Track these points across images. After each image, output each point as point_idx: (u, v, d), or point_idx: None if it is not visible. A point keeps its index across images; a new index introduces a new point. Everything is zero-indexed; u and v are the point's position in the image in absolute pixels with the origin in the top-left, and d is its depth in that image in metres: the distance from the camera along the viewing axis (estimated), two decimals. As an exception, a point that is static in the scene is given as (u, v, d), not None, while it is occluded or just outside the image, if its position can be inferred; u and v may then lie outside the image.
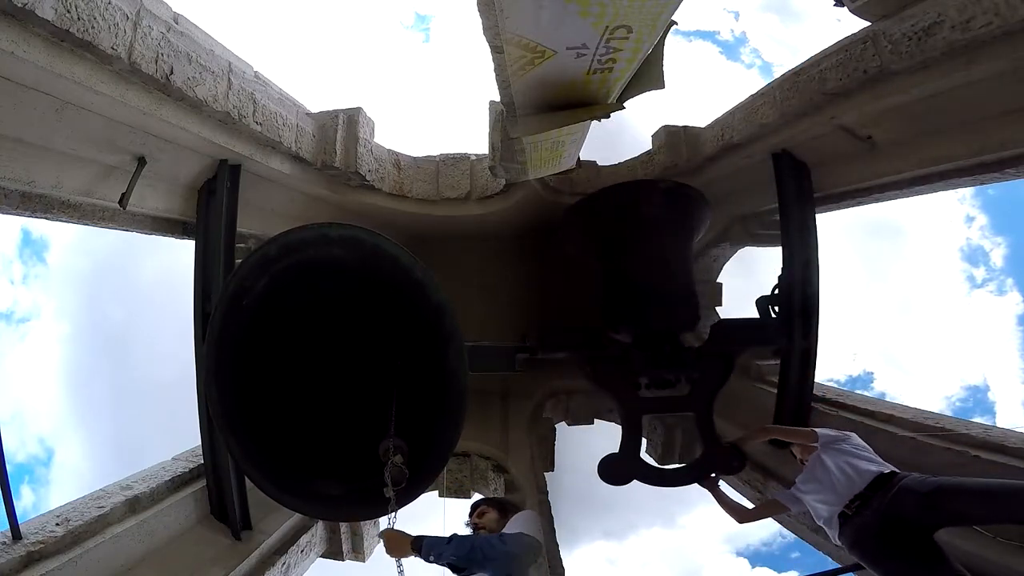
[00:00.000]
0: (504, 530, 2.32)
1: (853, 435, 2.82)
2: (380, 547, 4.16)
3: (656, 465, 3.78)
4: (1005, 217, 32.88)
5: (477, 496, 4.72)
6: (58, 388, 31.41)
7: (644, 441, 5.33)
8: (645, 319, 3.66)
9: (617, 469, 3.37)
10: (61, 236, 32.69)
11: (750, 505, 3.53)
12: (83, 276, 32.52)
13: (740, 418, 4.38)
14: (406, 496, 2.43)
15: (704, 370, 3.55)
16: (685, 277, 3.85)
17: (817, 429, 2.92)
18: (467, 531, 2.54)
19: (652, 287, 3.68)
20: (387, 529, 2.15)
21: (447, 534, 2.18)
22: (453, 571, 2.14)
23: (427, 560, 2.08)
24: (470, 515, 2.62)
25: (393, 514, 2.14)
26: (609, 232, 3.90)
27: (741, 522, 3.17)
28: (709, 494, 3.24)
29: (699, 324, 4.04)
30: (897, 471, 2.51)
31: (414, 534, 2.16)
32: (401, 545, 2.11)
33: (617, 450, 3.43)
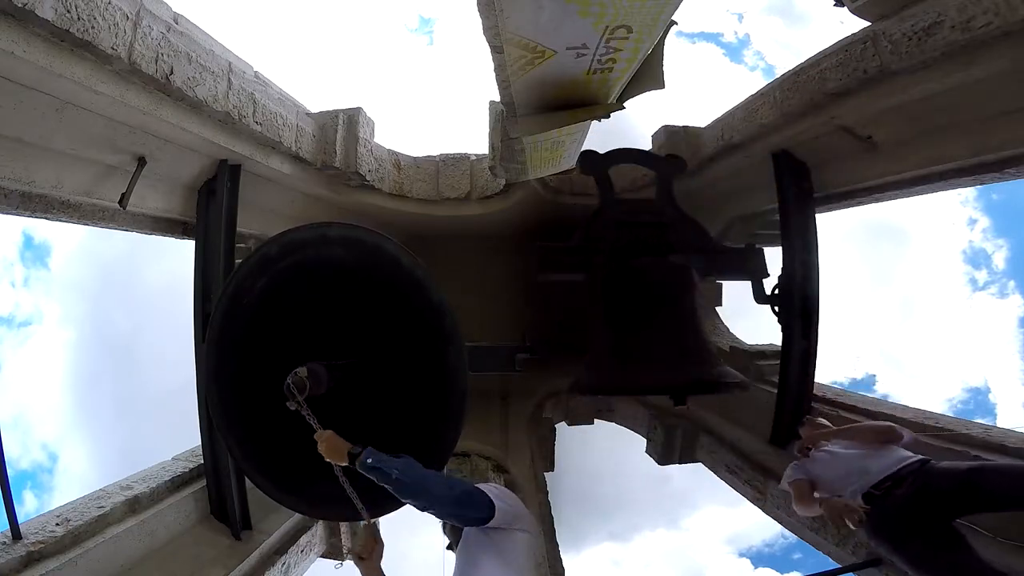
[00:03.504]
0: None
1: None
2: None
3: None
4: (1007, 220, 32.95)
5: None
6: (63, 395, 31.39)
7: (645, 441, 5.35)
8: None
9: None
10: (64, 242, 32.63)
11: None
12: (87, 282, 32.53)
13: (740, 418, 4.38)
14: (398, 502, 2.41)
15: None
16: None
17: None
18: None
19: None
20: (324, 430, 1.95)
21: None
22: (389, 486, 1.82)
23: (364, 468, 1.81)
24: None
25: (312, 419, 1.97)
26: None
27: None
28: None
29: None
30: (931, 459, 2.43)
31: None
32: (338, 448, 1.88)
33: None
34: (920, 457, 2.43)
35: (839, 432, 2.89)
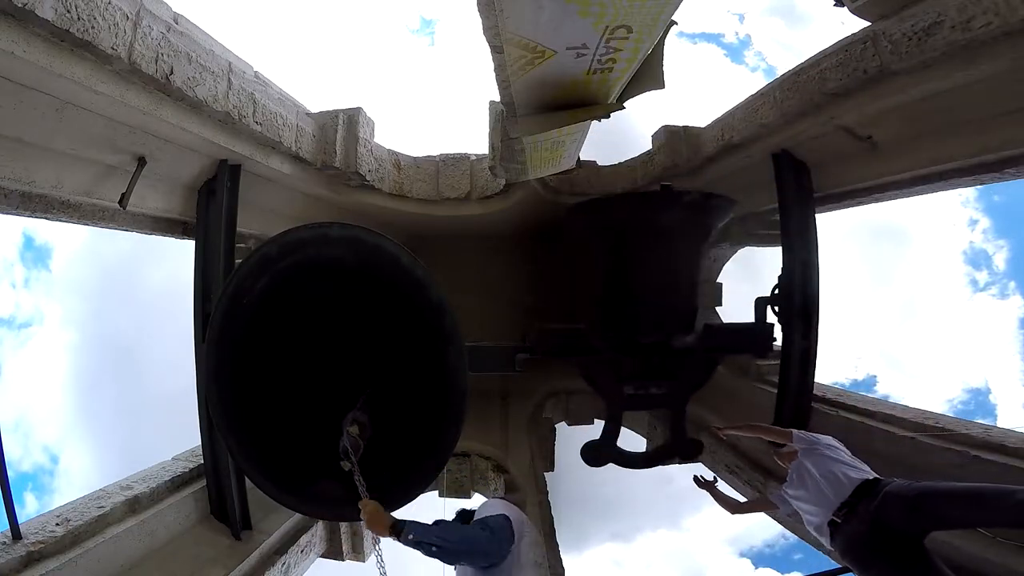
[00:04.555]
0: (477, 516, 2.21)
1: (829, 437, 2.85)
2: (379, 545, 4.14)
3: (627, 451, 4.15)
4: (1008, 221, 32.84)
5: (478, 496, 4.72)
6: (64, 397, 31.32)
7: (645, 441, 5.36)
8: (640, 330, 3.86)
9: (597, 453, 4.01)
10: (65, 244, 32.57)
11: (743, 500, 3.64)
12: (89, 285, 32.48)
13: (740, 418, 4.37)
14: (406, 495, 2.42)
15: (687, 372, 3.94)
16: (688, 291, 3.96)
17: (793, 431, 2.97)
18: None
19: (653, 298, 3.84)
20: (370, 500, 2.02)
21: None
22: (434, 556, 1.95)
23: (406, 541, 1.90)
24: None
25: (361, 487, 2.06)
26: (620, 234, 3.98)
27: (733, 514, 3.37)
28: (708, 494, 3.37)
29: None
30: (880, 477, 2.51)
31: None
32: (381, 520, 1.96)
33: (599, 438, 4.04)
34: (866, 478, 2.48)
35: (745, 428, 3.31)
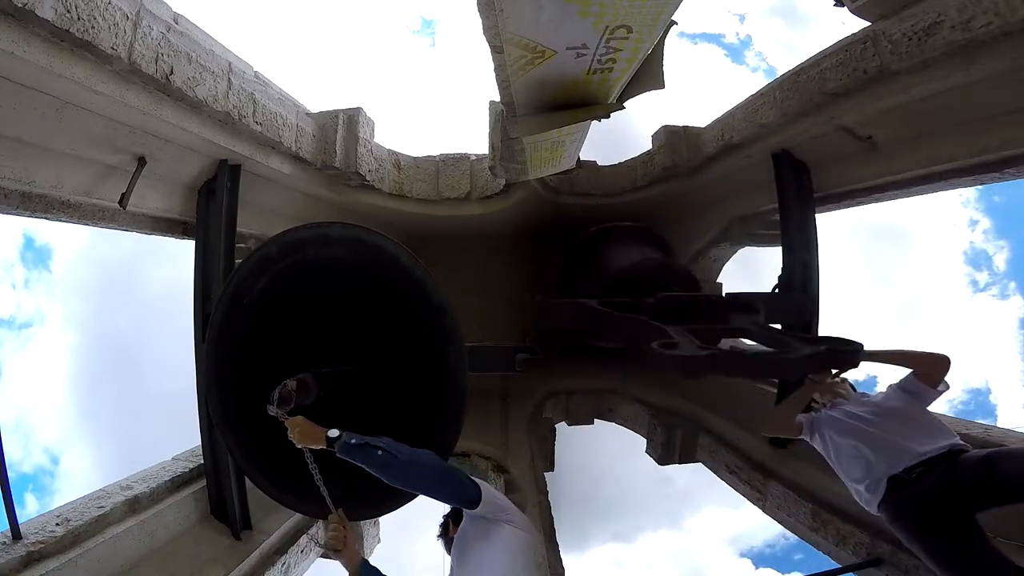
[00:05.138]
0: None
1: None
2: (379, 546, 4.11)
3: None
4: (1008, 221, 32.87)
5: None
6: (65, 398, 31.27)
7: (645, 441, 5.35)
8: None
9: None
10: (66, 246, 32.56)
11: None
12: (90, 286, 32.44)
13: (740, 418, 4.38)
14: (403, 498, 2.41)
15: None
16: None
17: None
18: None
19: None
20: (297, 417, 1.91)
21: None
22: (379, 467, 1.77)
23: (346, 450, 1.76)
24: (443, 526, 2.22)
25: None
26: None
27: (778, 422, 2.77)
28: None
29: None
30: (966, 447, 2.24)
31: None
32: (312, 432, 1.84)
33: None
34: (951, 443, 2.23)
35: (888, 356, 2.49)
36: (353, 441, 1.76)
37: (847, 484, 2.40)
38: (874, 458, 2.26)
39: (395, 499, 2.36)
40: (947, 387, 2.39)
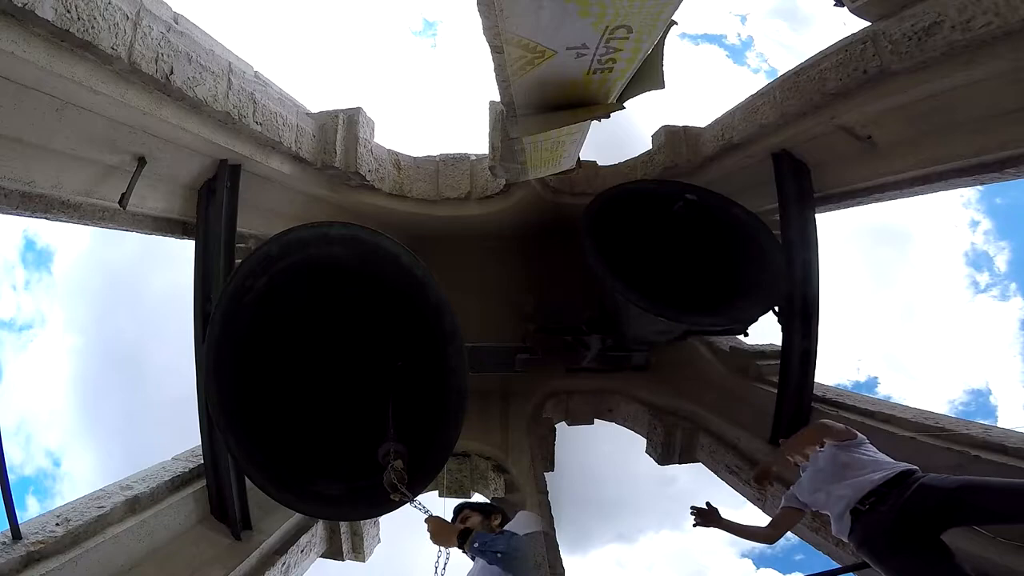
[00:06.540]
0: (510, 528, 2.24)
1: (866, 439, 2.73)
2: (379, 547, 4.12)
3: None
4: (1009, 222, 32.83)
5: (477, 497, 4.72)
6: (67, 401, 31.17)
7: (644, 441, 5.35)
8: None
9: None
10: (67, 248, 32.50)
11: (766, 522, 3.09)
12: (93, 289, 32.34)
13: (740, 418, 4.38)
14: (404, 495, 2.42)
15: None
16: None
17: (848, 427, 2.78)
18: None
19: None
20: (431, 516, 2.13)
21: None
22: (495, 563, 1.99)
23: (471, 551, 1.99)
24: (453, 520, 2.41)
25: (421, 509, 2.15)
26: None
27: (772, 543, 2.92)
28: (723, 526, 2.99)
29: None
30: (916, 469, 2.43)
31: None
32: (447, 533, 2.07)
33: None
34: (902, 468, 2.42)
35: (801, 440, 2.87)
36: (476, 545, 2.00)
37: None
38: (836, 496, 2.50)
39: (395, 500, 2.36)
40: (863, 438, 2.67)
